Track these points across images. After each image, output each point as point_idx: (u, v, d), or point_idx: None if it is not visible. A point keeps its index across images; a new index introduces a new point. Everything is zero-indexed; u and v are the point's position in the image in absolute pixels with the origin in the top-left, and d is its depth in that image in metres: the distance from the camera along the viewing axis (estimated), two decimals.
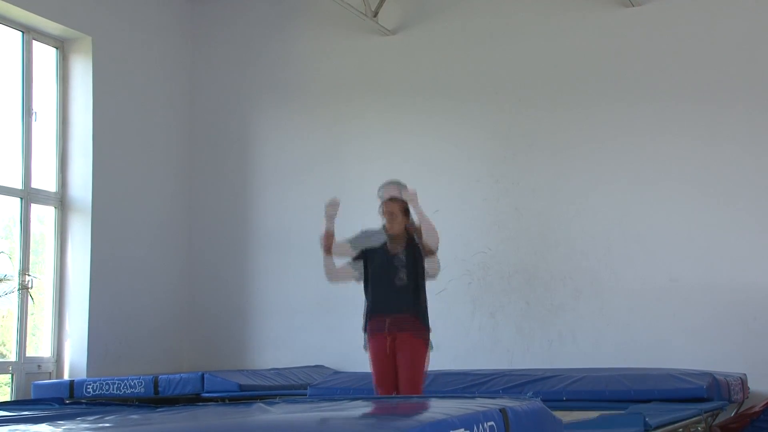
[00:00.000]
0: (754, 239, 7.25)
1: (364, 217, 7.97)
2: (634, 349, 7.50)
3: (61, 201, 7.90)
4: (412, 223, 5.77)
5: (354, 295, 8.42)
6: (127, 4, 8.39)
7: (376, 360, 5.76)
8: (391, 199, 5.76)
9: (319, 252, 8.66)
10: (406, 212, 5.77)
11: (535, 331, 7.86)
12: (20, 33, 7.57)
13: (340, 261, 6.05)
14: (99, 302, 7.86)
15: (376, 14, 8.41)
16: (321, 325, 8.52)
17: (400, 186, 5.86)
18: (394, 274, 5.69)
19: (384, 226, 5.82)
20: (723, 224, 7.35)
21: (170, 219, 8.89)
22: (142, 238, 8.46)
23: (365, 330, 5.85)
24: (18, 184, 7.53)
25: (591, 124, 7.85)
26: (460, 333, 7.98)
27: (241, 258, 8.93)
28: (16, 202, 7.52)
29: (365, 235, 5.96)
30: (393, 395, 5.59)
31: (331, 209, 5.98)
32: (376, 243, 5.83)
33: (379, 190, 5.90)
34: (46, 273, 7.85)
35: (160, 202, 8.78)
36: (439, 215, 7.94)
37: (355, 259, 5.93)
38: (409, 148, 8.45)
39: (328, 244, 5.95)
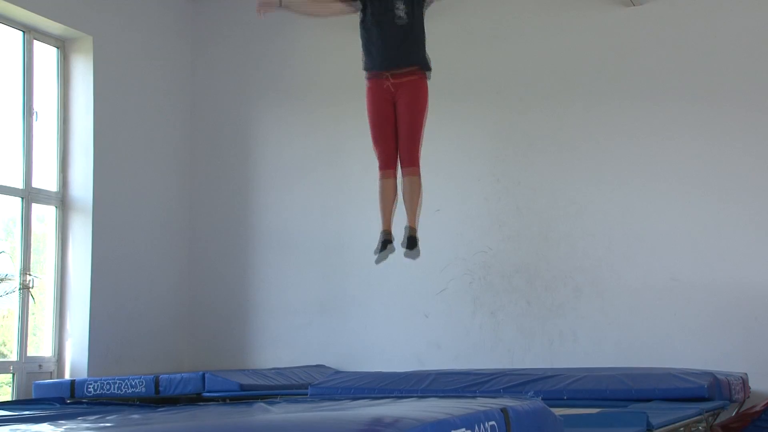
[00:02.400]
0: (756, 238, 7.24)
1: (368, 219, 8.03)
2: (635, 348, 7.49)
3: (62, 200, 7.90)
4: None
5: (356, 295, 8.47)
6: (129, 4, 8.40)
7: (372, 108, 5.66)
8: None
9: (323, 249, 8.72)
10: None
11: (536, 330, 7.85)
12: (21, 32, 7.57)
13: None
14: (100, 302, 7.87)
15: None
16: (322, 324, 8.52)
17: None
18: (392, 12, 5.50)
19: None
20: (724, 223, 7.35)
21: (171, 218, 8.89)
22: (143, 237, 8.46)
23: (366, 70, 5.62)
24: (19, 184, 7.53)
25: (592, 124, 7.84)
26: (460, 332, 7.98)
27: (242, 257, 8.93)
28: (17, 201, 7.52)
29: None
30: (390, 151, 5.48)
31: None
32: None
33: None
34: (46, 272, 7.85)
35: (161, 201, 8.78)
36: (439, 215, 8.03)
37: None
38: None
39: (271, 7, 5.58)
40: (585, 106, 7.87)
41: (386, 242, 5.66)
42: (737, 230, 7.30)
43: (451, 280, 8.17)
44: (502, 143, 8.14)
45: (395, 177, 5.76)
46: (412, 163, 5.64)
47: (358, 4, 5.67)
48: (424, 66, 5.61)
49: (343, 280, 8.48)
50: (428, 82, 5.75)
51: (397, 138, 5.63)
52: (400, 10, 5.48)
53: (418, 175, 5.72)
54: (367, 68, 5.68)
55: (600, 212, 7.75)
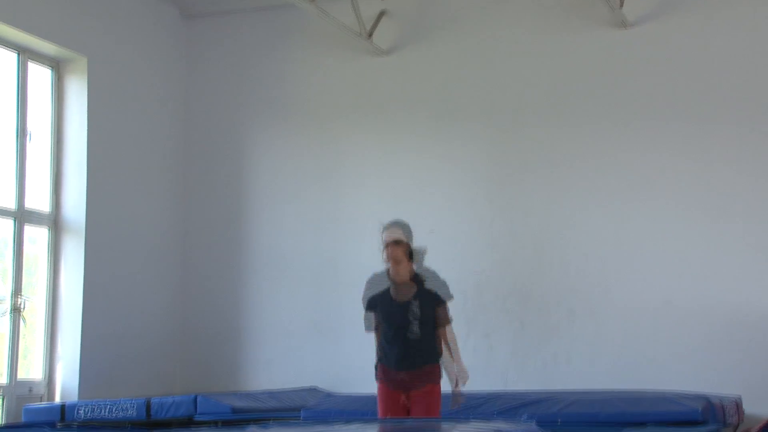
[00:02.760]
0: (750, 260, 7.25)
1: (360, 238, 8.01)
2: (629, 370, 7.48)
3: (54, 221, 7.87)
4: (419, 267, 5.48)
5: (349, 315, 8.42)
6: (123, 24, 8.40)
7: (384, 408, 5.47)
8: (396, 243, 5.39)
9: (316, 271, 8.70)
10: (411, 256, 5.45)
11: (529, 352, 7.83)
12: (15, 53, 7.56)
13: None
14: (91, 324, 7.81)
15: (370, 35, 8.44)
16: (315, 346, 8.48)
17: (404, 228, 5.50)
18: (406, 326, 5.35)
19: (388, 271, 5.49)
20: (718, 245, 7.36)
21: (164, 239, 8.87)
22: (135, 258, 8.43)
23: (376, 369, 5.54)
24: (11, 205, 7.50)
25: (585, 145, 7.86)
26: None
27: (234, 278, 8.90)
28: (9, 223, 7.49)
29: (371, 288, 5.60)
30: None
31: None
32: (380, 287, 5.50)
33: (381, 231, 5.51)
34: (38, 294, 7.80)
35: (154, 222, 8.76)
36: (433, 236, 7.99)
37: (368, 310, 5.58)
38: (404, 168, 8.45)
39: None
40: (578, 128, 7.90)
41: None
42: (731, 252, 7.31)
43: None
44: (496, 165, 8.16)
45: None
46: None
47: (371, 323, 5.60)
48: (437, 362, 5.47)
49: (336, 300, 8.45)
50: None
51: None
52: (415, 324, 5.36)
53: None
54: (379, 360, 5.55)
55: (593, 234, 7.75)
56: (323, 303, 8.52)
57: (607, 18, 7.73)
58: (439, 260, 7.99)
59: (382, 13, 8.61)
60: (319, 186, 8.71)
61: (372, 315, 5.54)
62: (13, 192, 7.53)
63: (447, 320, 5.51)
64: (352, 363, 8.27)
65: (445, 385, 5.53)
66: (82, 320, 7.75)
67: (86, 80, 7.91)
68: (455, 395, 5.49)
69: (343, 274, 8.44)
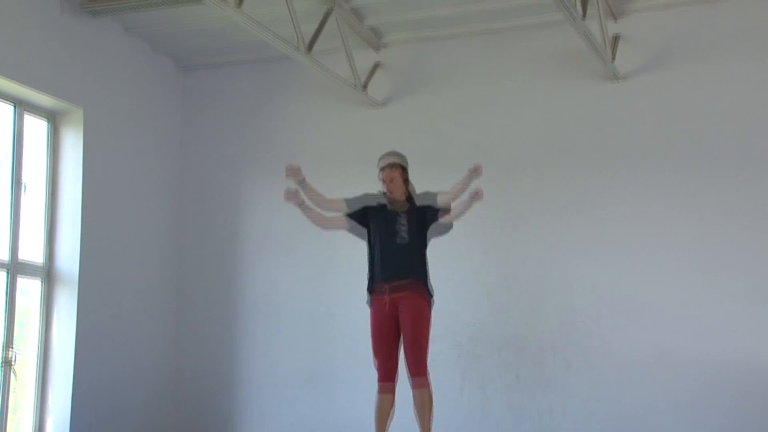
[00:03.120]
0: (746, 312, 7.26)
1: (355, 289, 7.98)
2: (625, 422, 7.44)
3: (47, 273, 7.84)
4: (413, 190, 5.88)
5: (344, 368, 8.37)
6: (119, 76, 8.47)
7: (374, 323, 5.73)
8: (391, 166, 5.81)
9: (311, 322, 8.65)
10: (406, 180, 5.86)
11: (525, 404, 7.78)
12: (12, 106, 7.60)
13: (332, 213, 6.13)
14: (83, 377, 7.73)
15: (365, 86, 8.52)
16: (310, 398, 8.41)
17: (399, 155, 5.93)
18: (395, 233, 5.70)
19: (384, 193, 5.87)
20: (714, 296, 7.36)
21: (158, 290, 8.83)
22: (128, 310, 8.38)
23: (369, 292, 5.84)
24: (4, 257, 7.47)
25: (579, 196, 7.90)
26: (448, 407, 7.85)
27: (228, 329, 8.85)
28: (1, 275, 7.45)
29: (366, 197, 6.02)
30: (390, 364, 5.56)
31: (291, 173, 6.04)
32: (375, 203, 5.89)
33: (379, 160, 5.98)
34: (29, 347, 7.73)
35: (148, 273, 8.73)
36: None
37: (351, 216, 5.94)
38: None
39: (296, 202, 5.97)
40: (572, 179, 7.94)
41: None
42: (727, 304, 7.31)
43: (440, 353, 8.07)
44: (490, 215, 8.16)
45: (394, 393, 5.81)
46: (418, 373, 5.70)
47: (363, 229, 5.95)
48: (424, 281, 5.78)
49: (331, 352, 8.40)
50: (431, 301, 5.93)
51: (397, 351, 5.72)
52: (403, 230, 5.69)
53: (428, 386, 5.76)
54: (369, 287, 5.87)
55: (588, 284, 7.75)
56: (318, 354, 8.47)
57: (600, 71, 7.83)
58: (434, 311, 8.04)
59: (376, 65, 8.70)
60: (313, 236, 8.66)
61: (358, 225, 5.92)
62: (6, 244, 7.51)
63: (447, 210, 5.82)
64: (346, 415, 8.20)
65: None
66: (74, 373, 7.66)
67: (82, 131, 7.93)
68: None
69: (338, 325, 8.41)
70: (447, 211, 5.85)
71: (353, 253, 8.37)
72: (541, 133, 8.10)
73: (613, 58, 7.69)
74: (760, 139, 7.45)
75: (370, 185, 8.50)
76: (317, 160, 8.80)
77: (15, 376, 7.46)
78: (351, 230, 6.05)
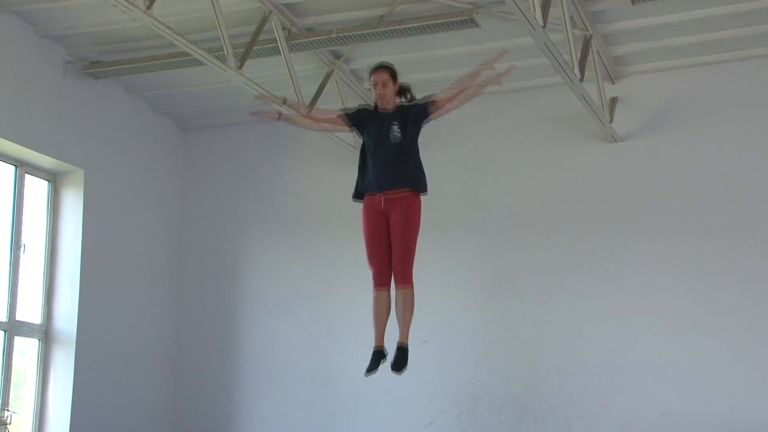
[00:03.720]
0: (748, 373, 7.22)
1: (354, 348, 7.94)
2: None
3: (45, 333, 7.80)
4: (407, 88, 5.75)
5: (343, 427, 8.28)
6: (120, 138, 8.53)
7: (367, 225, 5.69)
8: (380, 68, 5.71)
9: (309, 380, 8.54)
10: (395, 79, 5.72)
11: None
12: (13, 167, 7.65)
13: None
14: None
15: None
16: None
17: (389, 64, 5.82)
18: (388, 132, 5.60)
19: (376, 103, 5.77)
20: (714, 357, 7.34)
21: (156, 350, 8.78)
22: (126, 370, 8.32)
23: (358, 197, 5.79)
24: (2, 317, 7.44)
25: (579, 255, 7.92)
26: None
27: (227, 390, 8.78)
28: None
29: (360, 106, 5.95)
30: (384, 270, 5.55)
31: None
32: (369, 107, 5.80)
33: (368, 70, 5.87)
34: (26, 408, 7.66)
35: (146, 333, 8.69)
36: (427, 346, 7.96)
37: (347, 116, 5.82)
38: None
39: (271, 117, 5.90)
40: (572, 238, 7.96)
41: (379, 359, 5.61)
42: (727, 365, 7.28)
43: (439, 412, 8.05)
44: (490, 274, 8.18)
45: (389, 291, 5.75)
46: (405, 281, 5.69)
47: (354, 130, 5.89)
48: (418, 188, 5.70)
49: (329, 411, 8.33)
50: (422, 200, 5.83)
51: (389, 255, 5.67)
52: (395, 128, 5.64)
53: (411, 286, 5.73)
54: (358, 194, 5.82)
55: (589, 344, 7.73)
56: (317, 413, 8.40)
57: (598, 132, 7.90)
58: (433, 370, 8.01)
59: None
60: (313, 296, 8.70)
61: (352, 113, 5.79)
62: (5, 304, 7.48)
63: (438, 101, 5.69)
64: None
65: None
66: None
67: (82, 192, 7.97)
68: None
69: (337, 385, 8.35)
70: (437, 103, 5.73)
71: (353, 313, 8.38)
72: (540, 193, 8.14)
73: (611, 120, 7.78)
74: (758, 201, 7.49)
75: None
76: (317, 219, 8.84)
77: None
78: (350, 128, 5.91)
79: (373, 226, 5.67)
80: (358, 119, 5.80)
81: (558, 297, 7.91)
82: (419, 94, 5.82)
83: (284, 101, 6.24)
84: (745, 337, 7.29)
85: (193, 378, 8.91)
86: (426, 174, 8.48)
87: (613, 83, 8.04)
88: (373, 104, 5.84)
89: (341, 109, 5.98)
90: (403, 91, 5.78)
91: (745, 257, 7.42)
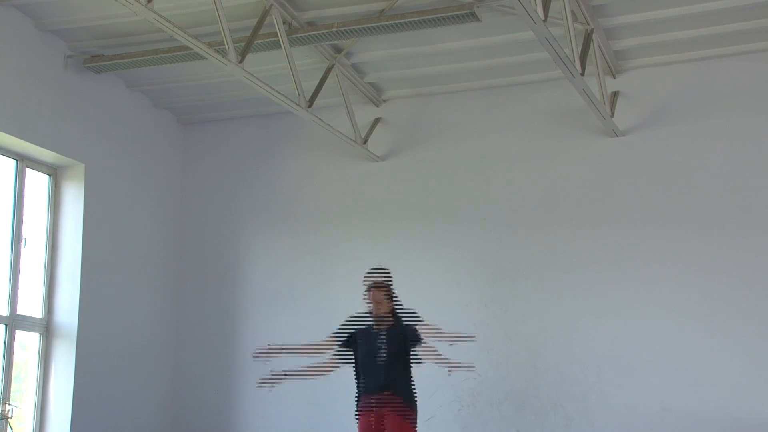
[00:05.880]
0: (748, 368, 7.22)
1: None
2: None
3: (46, 327, 7.81)
4: (398, 307, 6.07)
5: (343, 425, 8.28)
6: (121, 131, 8.53)
7: (364, 425, 5.91)
8: (376, 287, 6.00)
9: (310, 385, 8.59)
10: (391, 297, 6.04)
11: None
12: (14, 161, 7.65)
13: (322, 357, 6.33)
14: (80, 431, 7.66)
15: (366, 141, 8.58)
16: None
17: (384, 273, 6.13)
18: (376, 352, 5.90)
19: (370, 311, 6.06)
20: (714, 352, 7.34)
21: (156, 344, 8.79)
22: (127, 364, 8.33)
23: (356, 405, 6.05)
24: (3, 311, 7.45)
25: (580, 250, 7.91)
26: None
27: (227, 384, 8.78)
28: (0, 328, 7.42)
29: (352, 320, 6.24)
30: None
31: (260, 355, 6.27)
32: (363, 325, 6.09)
33: (364, 277, 6.17)
34: (27, 402, 7.67)
35: (147, 327, 8.70)
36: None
37: (343, 345, 6.17)
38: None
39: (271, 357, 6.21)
40: (572, 233, 7.96)
41: None
42: (728, 359, 7.28)
43: (440, 407, 8.05)
44: (490, 269, 8.18)
45: None
46: None
47: (350, 356, 6.21)
48: (406, 397, 6.01)
49: (329, 409, 8.33)
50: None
51: None
52: (383, 349, 5.96)
53: None
54: (357, 398, 6.14)
55: (589, 339, 7.73)
56: (316, 411, 8.40)
57: (599, 127, 7.89)
58: (434, 364, 8.00)
59: (377, 120, 8.78)
60: (312, 290, 8.70)
61: (351, 352, 6.14)
62: (6, 298, 7.49)
63: (419, 339, 6.02)
64: None
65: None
66: (71, 428, 7.59)
67: (83, 186, 7.97)
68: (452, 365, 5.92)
69: (336, 381, 8.30)
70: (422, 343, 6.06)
71: (353, 307, 8.36)
72: (541, 188, 8.14)
73: (612, 114, 7.77)
74: (759, 195, 7.48)
75: (368, 239, 8.59)
76: (317, 213, 8.84)
77: (11, 430, 7.38)
78: (344, 362, 6.25)
79: (368, 428, 5.98)
80: (351, 341, 6.17)
81: (558, 292, 7.90)
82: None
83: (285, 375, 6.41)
84: (746, 332, 7.28)
85: (194, 371, 8.92)
86: (427, 172, 8.55)
87: (614, 77, 8.03)
88: (364, 313, 6.17)
89: (333, 335, 6.32)
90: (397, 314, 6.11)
91: (747, 252, 7.41)
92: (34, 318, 7.75)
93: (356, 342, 6.09)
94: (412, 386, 6.04)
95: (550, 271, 7.96)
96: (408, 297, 8.28)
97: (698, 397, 7.29)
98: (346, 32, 7.09)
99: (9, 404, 7.35)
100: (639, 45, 7.70)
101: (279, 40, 7.17)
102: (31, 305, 7.78)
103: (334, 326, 8.46)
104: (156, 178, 9.02)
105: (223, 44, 6.77)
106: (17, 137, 7.29)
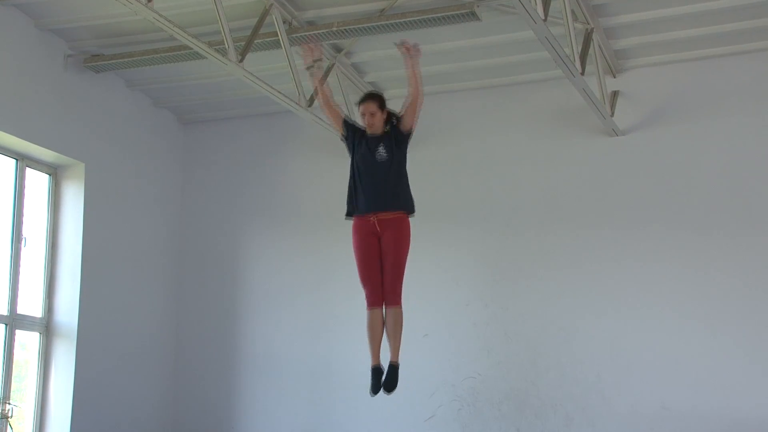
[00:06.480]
0: (747, 367, 7.22)
1: (354, 343, 7.95)
2: None
3: (46, 326, 7.81)
4: (393, 113, 5.91)
5: (343, 422, 8.29)
6: (121, 131, 8.53)
7: (358, 246, 5.89)
8: (368, 98, 5.90)
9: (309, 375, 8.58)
10: (383, 107, 5.90)
11: None
12: (14, 160, 7.65)
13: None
14: (80, 430, 7.65)
15: None
16: None
17: (376, 92, 6.04)
18: (374, 152, 5.81)
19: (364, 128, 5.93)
20: (714, 351, 7.34)
21: (156, 344, 8.79)
22: (127, 363, 8.33)
23: (349, 215, 5.97)
24: (3, 310, 7.45)
25: (580, 250, 7.91)
26: None
27: (227, 383, 8.79)
28: (0, 328, 7.42)
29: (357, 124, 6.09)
30: (377, 290, 5.74)
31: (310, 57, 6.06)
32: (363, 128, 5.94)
33: (357, 102, 6.03)
34: (27, 400, 7.67)
35: (147, 326, 8.70)
36: (427, 340, 7.99)
37: (346, 121, 6.04)
38: None
39: (317, 57, 6.09)
40: (573, 233, 7.96)
41: (379, 376, 5.82)
42: (727, 359, 7.28)
43: (440, 406, 8.06)
44: (490, 269, 8.18)
45: (382, 309, 5.91)
46: (396, 301, 5.87)
47: (344, 140, 6.06)
48: (406, 209, 5.95)
49: (330, 406, 8.34)
50: (411, 219, 6.02)
51: (381, 275, 5.86)
52: (381, 149, 5.84)
53: (400, 305, 5.90)
54: (349, 214, 6.02)
55: (589, 338, 7.73)
56: (317, 408, 8.41)
57: (599, 126, 7.89)
58: (434, 364, 8.02)
59: None
60: (313, 290, 8.70)
61: (351, 121, 6.03)
62: (5, 297, 7.49)
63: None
64: None
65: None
66: (71, 427, 7.60)
67: (83, 185, 7.97)
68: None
69: (337, 379, 8.35)
70: (403, 115, 5.92)
71: (353, 307, 8.38)
72: (541, 187, 8.14)
73: (612, 114, 7.77)
74: (759, 194, 7.48)
75: None
76: (317, 211, 8.83)
77: (11, 429, 7.38)
78: (343, 137, 6.10)
79: (365, 247, 5.89)
80: (353, 130, 6.00)
81: (558, 291, 7.90)
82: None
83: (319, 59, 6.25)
84: (746, 331, 7.29)
85: (194, 370, 8.92)
86: (427, 171, 8.56)
87: (614, 77, 8.03)
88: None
89: (344, 115, 6.15)
90: (391, 117, 5.94)
91: (746, 251, 7.41)
92: (34, 317, 7.75)
93: (354, 137, 5.96)
94: (408, 188, 5.98)
95: (551, 270, 7.96)
96: (408, 296, 8.32)
97: (698, 396, 7.29)
98: (346, 32, 7.09)
99: (9, 403, 7.35)
100: (639, 44, 7.70)
101: (279, 39, 7.17)
102: (31, 305, 7.78)
103: (334, 326, 8.53)
104: (156, 177, 9.01)
105: (223, 44, 6.77)
106: (17, 137, 7.30)
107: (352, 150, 5.99)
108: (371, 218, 5.81)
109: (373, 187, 5.84)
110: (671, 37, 7.52)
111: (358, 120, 6.08)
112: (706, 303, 7.43)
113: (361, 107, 5.92)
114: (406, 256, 5.88)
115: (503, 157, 8.32)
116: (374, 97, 5.95)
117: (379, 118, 5.88)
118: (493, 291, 8.12)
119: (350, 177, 6.02)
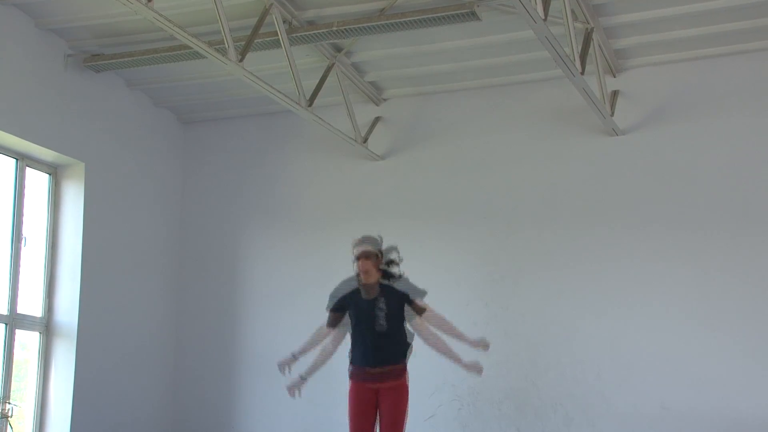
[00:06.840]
0: (747, 367, 7.22)
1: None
2: None
3: (46, 326, 7.81)
4: (385, 270, 5.90)
5: (344, 423, 8.25)
6: (121, 130, 8.53)
7: (354, 405, 5.86)
8: (366, 256, 5.89)
9: (310, 383, 8.57)
10: (378, 263, 5.89)
11: None
12: (14, 160, 7.65)
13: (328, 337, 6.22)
14: (80, 430, 7.66)
15: (366, 140, 8.58)
16: None
17: (372, 242, 6.00)
18: (374, 320, 5.77)
19: (358, 275, 5.94)
20: (714, 351, 7.34)
21: (156, 343, 8.79)
22: (127, 363, 8.34)
23: (350, 368, 5.93)
24: (3, 310, 7.45)
25: (579, 250, 7.91)
26: None
27: (227, 383, 8.79)
28: (0, 327, 7.42)
29: (340, 290, 6.08)
30: None
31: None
32: (351, 287, 5.94)
33: (353, 246, 6.02)
34: (27, 400, 7.68)
35: (147, 326, 8.70)
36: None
37: (334, 310, 6.03)
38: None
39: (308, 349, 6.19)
40: (572, 232, 7.96)
41: None
42: (728, 358, 7.28)
43: (440, 406, 8.06)
44: (490, 268, 8.18)
45: None
46: None
47: (347, 328, 6.09)
48: (403, 357, 5.93)
49: (330, 408, 8.32)
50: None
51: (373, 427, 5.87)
52: (381, 316, 5.83)
53: None
54: (351, 361, 6.04)
55: (589, 338, 7.73)
56: (317, 409, 8.39)
57: (599, 126, 7.89)
58: (434, 363, 7.99)
59: (377, 119, 8.78)
60: (314, 288, 8.67)
61: (336, 315, 6.00)
62: (6, 296, 7.49)
63: (422, 309, 5.94)
64: None
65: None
66: (71, 426, 7.61)
67: (83, 185, 7.98)
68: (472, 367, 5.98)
69: (337, 380, 8.30)
70: (418, 310, 5.96)
71: None
72: (541, 187, 8.14)
73: (612, 113, 7.77)
74: (759, 194, 7.48)
75: None
76: (317, 212, 8.84)
77: (11, 429, 7.38)
78: (341, 332, 6.14)
79: (361, 407, 5.89)
80: (343, 302, 6.01)
81: (559, 291, 7.91)
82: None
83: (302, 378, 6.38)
84: (746, 331, 7.28)
85: (194, 371, 8.92)
86: (428, 170, 8.52)
87: (614, 76, 8.04)
88: (354, 276, 6.00)
89: (327, 306, 6.12)
90: (386, 275, 5.96)
91: (746, 251, 7.41)
92: (34, 317, 7.76)
93: (348, 307, 5.96)
94: (407, 345, 5.93)
95: (551, 270, 7.95)
96: None
97: (698, 396, 7.29)
98: (346, 31, 7.09)
99: (9, 403, 7.36)
100: (639, 44, 7.70)
101: (279, 39, 7.17)
102: (32, 304, 7.79)
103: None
104: (156, 177, 9.02)
105: (223, 43, 6.77)
106: (17, 136, 7.30)
107: (349, 314, 5.98)
108: (369, 384, 5.81)
109: (373, 349, 5.85)
110: (671, 37, 7.52)
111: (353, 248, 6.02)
112: (706, 303, 7.43)
113: (359, 262, 5.89)
114: (405, 418, 5.83)
115: (503, 157, 8.32)
116: (370, 255, 5.89)
117: (374, 276, 5.89)
118: (493, 291, 8.12)
119: (351, 335, 6.03)
